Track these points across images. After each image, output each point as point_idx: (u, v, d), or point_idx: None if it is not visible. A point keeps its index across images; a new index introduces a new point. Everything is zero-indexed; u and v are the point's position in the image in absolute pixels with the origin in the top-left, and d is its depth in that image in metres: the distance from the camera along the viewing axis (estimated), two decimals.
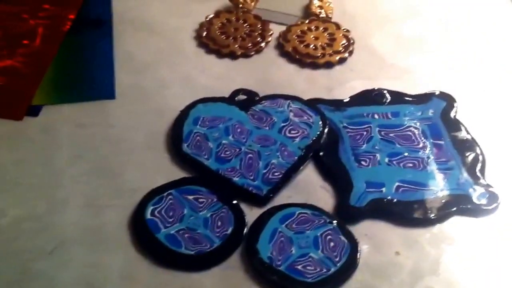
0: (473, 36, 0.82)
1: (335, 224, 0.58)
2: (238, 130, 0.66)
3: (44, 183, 0.61)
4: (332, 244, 0.56)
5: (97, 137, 0.66)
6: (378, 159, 0.63)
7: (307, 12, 0.83)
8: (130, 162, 0.64)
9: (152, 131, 0.67)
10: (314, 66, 0.75)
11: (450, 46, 0.80)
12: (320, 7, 0.82)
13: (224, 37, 0.79)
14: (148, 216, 0.58)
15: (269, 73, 0.75)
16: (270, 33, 0.79)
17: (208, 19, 0.81)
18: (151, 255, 0.56)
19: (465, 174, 0.62)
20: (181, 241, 0.56)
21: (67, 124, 0.67)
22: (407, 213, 0.59)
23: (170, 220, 0.58)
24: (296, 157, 0.63)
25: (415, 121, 0.68)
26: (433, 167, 0.63)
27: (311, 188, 0.62)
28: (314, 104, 0.69)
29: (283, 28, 0.80)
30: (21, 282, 0.53)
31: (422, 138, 0.66)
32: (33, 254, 0.55)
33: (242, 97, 0.70)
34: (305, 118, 0.67)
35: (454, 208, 0.60)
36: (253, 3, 0.84)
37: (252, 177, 0.61)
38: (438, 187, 0.61)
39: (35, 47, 0.76)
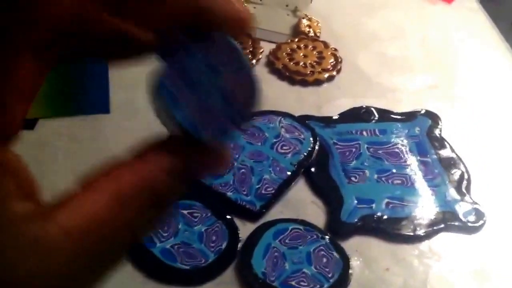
0: (454, 56, 0.81)
1: (327, 239, 0.56)
2: (231, 145, 0.64)
3: None
4: (324, 260, 0.54)
5: (91, 152, 0.63)
6: (367, 175, 0.62)
7: (296, 31, 0.81)
8: None
9: None
10: (304, 83, 0.74)
11: (432, 66, 0.79)
12: (309, 26, 0.81)
13: None
14: None
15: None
16: (260, 51, 0.78)
17: None
18: (145, 270, 0.53)
19: (452, 191, 0.61)
20: (176, 255, 0.54)
21: (62, 138, 0.65)
22: (396, 229, 0.58)
23: (165, 234, 0.55)
24: (288, 173, 0.61)
25: (402, 139, 0.66)
26: (420, 184, 0.62)
27: (302, 203, 0.60)
28: (304, 120, 0.67)
29: (273, 46, 0.78)
30: None
31: (409, 155, 0.64)
32: None
33: None
34: (296, 134, 0.65)
35: (442, 225, 0.58)
36: None
37: (245, 192, 0.59)
38: (426, 204, 0.60)
39: None
